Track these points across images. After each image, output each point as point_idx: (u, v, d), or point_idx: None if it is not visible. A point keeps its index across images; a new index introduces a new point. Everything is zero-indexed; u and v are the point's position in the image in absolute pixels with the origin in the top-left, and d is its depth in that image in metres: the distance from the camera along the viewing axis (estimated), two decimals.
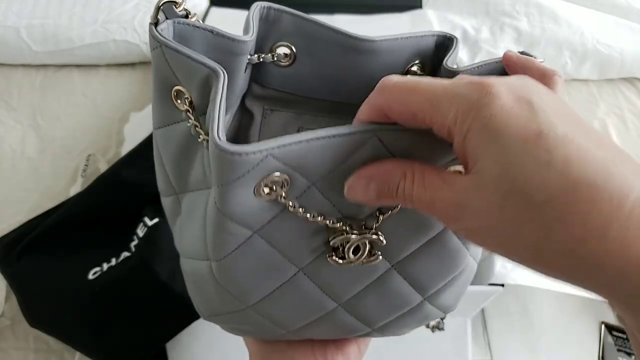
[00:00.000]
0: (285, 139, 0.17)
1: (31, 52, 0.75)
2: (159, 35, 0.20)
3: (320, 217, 0.20)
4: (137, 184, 0.53)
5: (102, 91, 0.76)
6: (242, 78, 0.25)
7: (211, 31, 0.22)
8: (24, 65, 0.78)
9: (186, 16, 0.22)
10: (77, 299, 0.47)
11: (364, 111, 0.19)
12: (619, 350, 0.52)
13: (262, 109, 0.28)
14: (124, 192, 0.53)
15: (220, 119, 0.17)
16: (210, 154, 0.17)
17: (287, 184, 0.18)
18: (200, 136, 0.21)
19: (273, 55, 0.26)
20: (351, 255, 0.21)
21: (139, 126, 0.63)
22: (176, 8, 0.21)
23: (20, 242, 0.52)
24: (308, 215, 0.20)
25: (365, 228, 0.21)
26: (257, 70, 0.27)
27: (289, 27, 0.25)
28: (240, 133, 0.28)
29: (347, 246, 0.21)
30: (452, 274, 0.25)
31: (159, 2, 0.21)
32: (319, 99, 0.27)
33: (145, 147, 0.57)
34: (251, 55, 0.25)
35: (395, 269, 0.24)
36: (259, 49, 0.26)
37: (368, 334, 0.27)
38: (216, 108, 0.18)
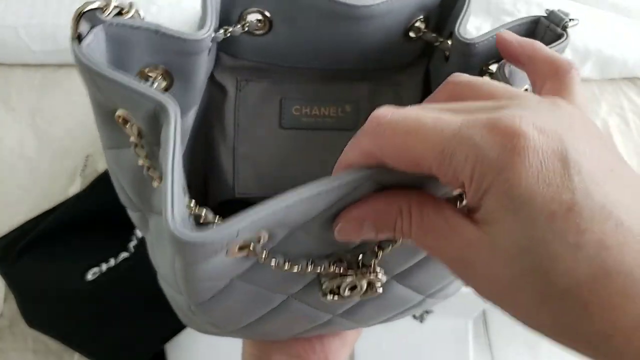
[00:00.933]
0: (258, 211, 0.14)
1: (30, 52, 0.75)
2: (83, 59, 0.16)
3: (307, 261, 0.17)
4: None
5: None
6: (205, 66, 0.21)
7: (155, 31, 0.18)
8: (22, 65, 0.77)
9: (119, 13, 0.18)
10: (76, 299, 0.47)
11: (352, 156, 0.16)
12: None
13: (235, 80, 0.24)
14: None
15: (176, 192, 0.14)
16: (166, 236, 0.14)
17: (264, 239, 0.16)
18: (155, 182, 0.17)
19: (244, 26, 0.21)
20: (347, 293, 0.19)
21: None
22: (102, 14, 0.17)
23: (19, 243, 0.52)
24: (287, 266, 0.17)
25: (363, 265, 0.18)
26: (225, 42, 0.22)
27: None
28: (212, 109, 0.25)
29: (342, 287, 0.18)
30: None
31: (75, 13, 0.16)
32: (301, 67, 0.24)
33: None
34: (215, 32, 0.21)
35: (395, 280, 0.22)
36: (224, 20, 0.21)
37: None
38: (168, 181, 0.14)
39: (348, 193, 0.15)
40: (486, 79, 0.16)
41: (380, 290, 0.19)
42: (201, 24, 0.19)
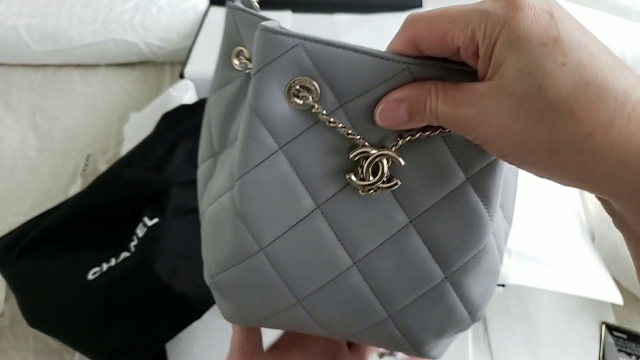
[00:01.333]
0: (318, 36, 0.19)
1: (30, 52, 0.75)
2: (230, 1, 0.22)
3: (346, 132, 0.21)
4: (137, 184, 0.53)
5: (101, 91, 0.75)
6: None
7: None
8: (23, 65, 0.78)
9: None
10: (77, 299, 0.47)
11: (394, 44, 0.21)
12: (619, 350, 0.52)
13: None
14: (123, 192, 0.53)
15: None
16: (255, 41, 0.19)
17: (317, 94, 0.20)
18: (248, 70, 0.22)
19: None
20: (370, 177, 0.21)
21: (138, 126, 0.63)
22: None
23: (20, 242, 0.52)
24: (338, 126, 0.20)
25: (384, 147, 0.21)
26: None
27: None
28: None
29: (366, 163, 0.21)
30: (475, 246, 0.23)
31: None
32: None
33: (145, 147, 0.57)
34: None
35: (414, 225, 0.23)
36: None
37: (383, 324, 0.24)
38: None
39: (387, 77, 0.20)
40: None
41: (398, 181, 0.21)
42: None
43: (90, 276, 0.48)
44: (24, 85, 0.76)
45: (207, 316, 0.46)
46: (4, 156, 0.67)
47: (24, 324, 0.48)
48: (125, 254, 0.49)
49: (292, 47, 0.19)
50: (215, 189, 0.25)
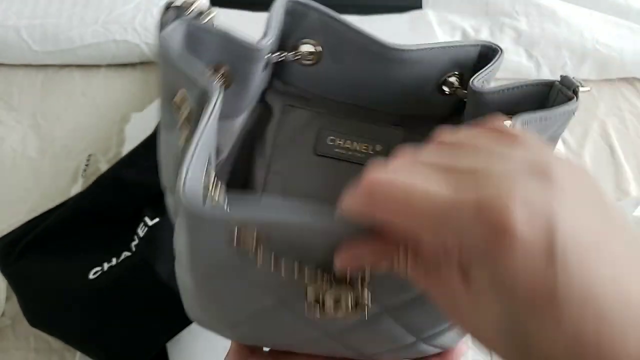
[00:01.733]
0: (254, 214, 0.16)
1: (31, 52, 0.75)
2: (160, 43, 0.20)
3: (300, 270, 0.18)
4: (138, 184, 0.53)
5: (102, 91, 0.76)
6: (260, 78, 0.24)
7: (224, 35, 0.21)
8: (24, 66, 0.78)
9: (199, 14, 0.21)
10: (78, 298, 0.47)
11: (347, 208, 0.16)
12: None
13: (282, 104, 0.27)
14: (124, 192, 0.53)
15: (195, 157, 0.16)
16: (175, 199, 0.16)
17: (263, 242, 0.17)
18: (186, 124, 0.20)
19: (296, 54, 0.24)
20: (330, 309, 0.18)
21: (139, 126, 0.64)
22: (184, 12, 0.20)
23: (21, 242, 0.52)
24: (274, 266, 0.18)
25: (349, 283, 0.19)
26: (279, 67, 0.26)
27: (315, 24, 0.23)
28: (257, 128, 0.27)
29: (327, 298, 0.18)
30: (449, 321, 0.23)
31: (164, 5, 0.20)
32: (340, 101, 0.26)
33: (146, 147, 0.57)
34: (272, 53, 0.24)
35: (387, 313, 0.22)
36: (281, 45, 0.25)
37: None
38: (190, 151, 0.16)
39: (345, 236, 0.17)
40: (475, 131, 0.16)
41: (367, 304, 0.19)
42: (262, 36, 0.22)
43: (91, 275, 0.48)
44: (25, 85, 0.76)
45: None
46: (4, 156, 0.67)
47: (25, 323, 0.48)
48: (126, 254, 0.49)
49: (228, 226, 0.16)
50: (179, 244, 0.23)
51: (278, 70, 0.26)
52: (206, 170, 0.19)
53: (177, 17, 0.20)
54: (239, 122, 0.26)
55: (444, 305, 0.16)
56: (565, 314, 0.12)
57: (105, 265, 0.49)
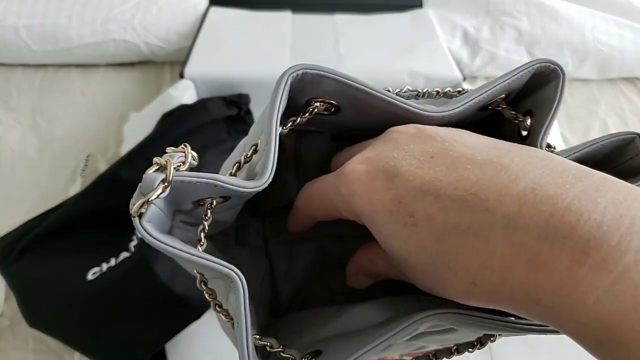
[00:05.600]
0: None
1: (30, 52, 0.75)
2: (147, 235, 0.16)
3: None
4: (137, 184, 0.53)
5: (101, 91, 0.75)
6: None
7: (214, 185, 0.17)
8: (23, 65, 0.77)
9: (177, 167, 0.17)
10: (77, 299, 0.47)
11: (297, 216, 0.22)
12: None
13: (294, 135, 0.25)
14: (123, 192, 0.53)
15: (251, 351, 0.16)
16: None
17: None
18: (226, 318, 0.19)
19: (311, 112, 0.20)
20: None
21: (138, 126, 0.63)
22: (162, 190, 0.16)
23: (20, 242, 0.52)
24: None
25: None
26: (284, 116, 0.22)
27: (330, 88, 0.20)
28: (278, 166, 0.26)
29: None
30: None
31: (141, 201, 0.16)
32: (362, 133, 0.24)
33: (145, 147, 0.57)
34: (283, 127, 0.20)
35: None
36: (290, 110, 0.20)
37: None
38: (244, 348, 0.16)
39: None
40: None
41: None
42: (263, 172, 0.18)
43: (90, 276, 0.48)
44: (24, 85, 0.76)
45: (207, 316, 0.46)
46: (3, 156, 0.67)
47: (24, 324, 0.48)
48: (125, 254, 0.49)
49: None
50: None
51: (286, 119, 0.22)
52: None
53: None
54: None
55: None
56: (417, 208, 0.15)
57: (104, 266, 0.49)
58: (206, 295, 0.19)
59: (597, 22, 0.80)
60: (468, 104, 0.19)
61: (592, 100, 0.78)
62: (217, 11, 0.79)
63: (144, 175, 0.16)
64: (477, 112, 0.21)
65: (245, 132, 0.72)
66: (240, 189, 0.17)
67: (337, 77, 0.19)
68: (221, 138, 0.59)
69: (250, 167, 0.19)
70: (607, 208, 0.12)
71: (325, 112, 0.21)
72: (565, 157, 0.19)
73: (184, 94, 0.64)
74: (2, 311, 0.52)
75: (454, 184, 0.14)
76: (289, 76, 0.18)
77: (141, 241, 0.49)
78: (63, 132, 0.70)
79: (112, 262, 0.49)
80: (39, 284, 0.49)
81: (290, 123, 0.20)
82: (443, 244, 0.14)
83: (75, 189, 0.61)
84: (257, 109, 0.64)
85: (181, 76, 0.67)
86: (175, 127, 0.58)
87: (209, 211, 0.18)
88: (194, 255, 0.17)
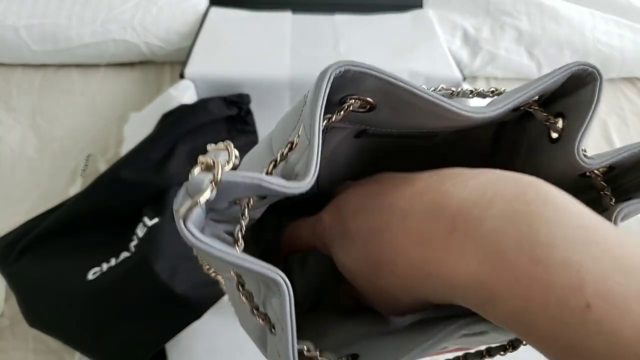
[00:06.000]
0: None
1: (30, 52, 0.75)
2: (192, 238, 0.15)
3: None
4: (137, 184, 0.53)
5: (101, 91, 0.75)
6: None
7: (259, 185, 0.16)
8: (23, 65, 0.77)
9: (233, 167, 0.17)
10: (77, 299, 0.47)
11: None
12: None
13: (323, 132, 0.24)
14: (123, 192, 0.53)
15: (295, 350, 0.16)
16: None
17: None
18: (268, 330, 0.18)
19: (347, 109, 0.19)
20: None
21: (138, 126, 0.63)
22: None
23: (20, 242, 0.52)
24: None
25: None
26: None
27: (371, 86, 0.19)
28: None
29: None
30: None
31: (190, 204, 0.15)
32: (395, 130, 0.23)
33: (145, 147, 0.57)
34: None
35: None
36: (327, 106, 0.19)
37: None
38: (290, 352, 0.16)
39: None
40: None
41: None
42: (302, 171, 0.17)
43: (90, 276, 0.48)
44: (24, 85, 0.76)
45: (207, 316, 0.46)
46: (3, 156, 0.67)
47: (24, 324, 0.48)
48: (125, 254, 0.49)
49: None
50: None
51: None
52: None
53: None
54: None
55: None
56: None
57: (105, 266, 0.49)
58: (243, 298, 0.18)
59: (597, 22, 0.80)
60: (507, 106, 0.19)
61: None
62: (217, 11, 0.79)
63: (190, 176, 0.16)
64: (510, 112, 0.21)
65: (245, 132, 0.72)
66: (284, 189, 0.16)
67: (380, 74, 0.18)
68: (221, 138, 0.59)
69: (287, 166, 0.18)
70: (473, 188, 0.15)
71: (360, 110, 0.20)
72: (600, 162, 0.19)
73: (184, 94, 0.64)
74: (2, 311, 0.52)
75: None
76: (331, 73, 0.17)
77: (141, 241, 0.49)
78: (63, 132, 0.70)
79: (113, 262, 0.49)
80: (39, 284, 0.49)
81: (326, 121, 0.19)
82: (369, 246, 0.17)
83: (75, 189, 0.61)
84: (257, 109, 0.64)
85: (181, 76, 0.67)
86: (176, 127, 0.58)
87: (246, 210, 0.18)
88: (237, 257, 0.15)
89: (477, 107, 0.19)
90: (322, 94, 0.17)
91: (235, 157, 0.17)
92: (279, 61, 0.69)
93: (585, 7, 0.82)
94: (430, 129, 0.22)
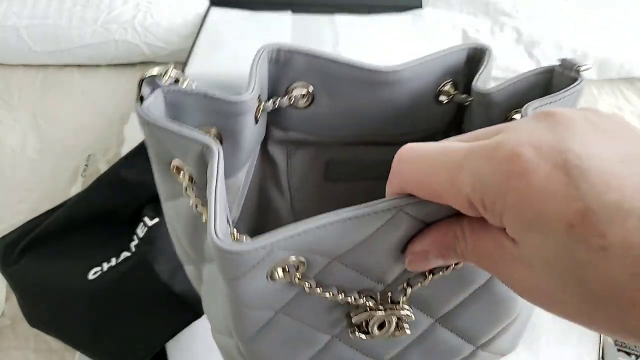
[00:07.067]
0: (292, 228, 0.15)
1: (31, 52, 0.75)
2: (143, 114, 0.19)
3: (341, 293, 0.18)
4: (137, 184, 0.53)
5: (102, 91, 0.76)
6: (253, 131, 0.24)
7: (204, 95, 0.20)
8: (24, 66, 0.78)
9: (176, 81, 0.20)
10: (78, 298, 0.47)
11: (388, 192, 0.18)
12: (619, 350, 0.52)
13: (285, 150, 0.27)
14: (124, 192, 0.53)
15: (218, 210, 0.16)
16: (210, 249, 0.16)
17: (304, 266, 0.17)
18: (203, 217, 0.19)
19: (290, 98, 0.23)
20: (376, 331, 0.19)
21: (139, 126, 0.63)
22: (161, 80, 0.20)
23: (21, 242, 0.52)
24: (327, 294, 0.18)
25: (392, 302, 0.19)
26: (274, 115, 0.25)
27: (301, 66, 0.23)
28: (268, 176, 0.27)
29: (371, 322, 0.19)
30: (506, 322, 0.23)
31: (139, 79, 0.19)
32: (343, 135, 0.26)
33: (146, 147, 0.57)
34: (265, 101, 0.23)
35: (440, 323, 0.22)
36: (272, 92, 0.24)
37: None
38: (212, 199, 0.16)
39: (382, 223, 0.17)
40: None
41: (408, 331, 0.19)
42: (246, 89, 0.21)
43: (91, 276, 0.48)
44: (25, 85, 0.76)
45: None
46: (4, 156, 0.67)
47: (25, 323, 0.48)
48: (126, 254, 0.49)
49: (266, 256, 0.16)
50: (213, 314, 0.23)
51: (275, 118, 0.25)
52: (227, 219, 0.18)
53: (154, 88, 0.20)
54: (240, 179, 0.25)
55: (504, 277, 0.15)
56: (606, 231, 0.11)
57: (105, 266, 0.49)
58: (191, 201, 0.20)
59: (597, 22, 0.80)
60: (419, 61, 0.23)
61: (591, 100, 0.78)
62: (217, 12, 0.79)
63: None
64: (437, 106, 0.25)
65: None
66: (227, 99, 0.20)
67: (305, 51, 0.22)
68: None
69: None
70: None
71: (302, 104, 0.23)
72: (498, 91, 0.23)
73: None
74: (3, 311, 0.53)
75: None
76: (263, 51, 0.22)
77: (142, 241, 0.50)
78: (64, 132, 0.70)
79: (113, 261, 0.49)
80: (40, 284, 0.49)
81: (272, 101, 0.23)
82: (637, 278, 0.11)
83: (76, 189, 0.61)
84: None
85: None
86: None
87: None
88: (176, 125, 0.19)
89: (392, 66, 0.22)
90: (256, 63, 0.21)
91: (191, 85, 0.20)
92: None
93: (585, 7, 0.82)
94: (376, 131, 0.24)
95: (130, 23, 0.75)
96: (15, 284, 0.50)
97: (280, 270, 0.17)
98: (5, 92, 0.75)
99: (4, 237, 0.53)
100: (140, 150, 0.57)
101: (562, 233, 0.12)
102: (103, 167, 0.63)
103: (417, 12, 0.83)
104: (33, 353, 0.50)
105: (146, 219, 0.50)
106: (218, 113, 0.21)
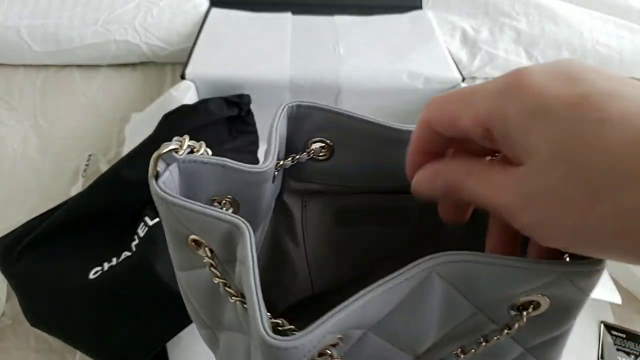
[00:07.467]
0: (341, 311, 0.15)
1: (32, 52, 0.75)
2: (161, 192, 0.18)
3: None
4: (138, 184, 0.53)
5: (102, 91, 0.76)
6: (270, 191, 0.23)
7: (222, 165, 0.19)
8: (24, 66, 0.78)
9: (191, 151, 0.20)
10: (78, 298, 0.47)
11: (415, 130, 0.19)
12: (618, 349, 0.52)
13: (301, 199, 0.26)
14: (124, 191, 0.53)
15: (261, 302, 0.15)
16: (257, 345, 0.15)
17: (343, 342, 0.17)
18: (232, 298, 0.19)
19: (309, 152, 0.23)
20: None
21: (139, 126, 0.64)
22: (176, 153, 0.19)
23: (21, 242, 0.52)
24: None
25: None
26: (292, 168, 0.24)
27: (320, 121, 0.22)
28: (283, 226, 0.27)
29: None
30: (557, 331, 0.22)
31: (155, 154, 0.18)
32: (359, 186, 0.25)
33: (146, 148, 0.57)
34: (284, 159, 0.23)
35: (528, 353, 0.21)
36: (290, 148, 0.23)
37: None
38: (252, 290, 0.15)
39: (416, 286, 0.17)
40: None
41: None
42: (265, 157, 0.20)
43: (91, 275, 0.48)
44: (25, 85, 0.76)
45: None
46: (5, 156, 0.67)
47: (26, 323, 0.48)
48: (126, 254, 0.49)
49: (317, 343, 0.15)
50: None
51: (292, 171, 0.25)
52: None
53: (169, 163, 0.19)
54: (258, 235, 0.25)
55: (513, 209, 0.16)
56: (604, 106, 0.13)
57: (106, 265, 0.49)
58: (215, 279, 0.19)
59: (596, 22, 0.81)
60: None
61: None
62: (218, 12, 0.80)
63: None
64: None
65: (245, 133, 0.72)
66: (247, 169, 0.19)
67: (324, 106, 0.21)
68: (222, 138, 0.60)
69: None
70: None
71: (321, 156, 0.23)
72: None
73: (185, 94, 0.64)
74: (4, 311, 0.53)
75: None
76: (284, 107, 0.21)
77: (142, 241, 0.50)
78: (64, 132, 0.70)
79: (114, 261, 0.49)
80: (41, 283, 0.49)
81: (290, 158, 0.23)
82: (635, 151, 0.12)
83: (76, 189, 0.61)
84: (257, 109, 0.65)
85: (182, 77, 0.67)
86: (177, 127, 0.58)
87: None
88: (201, 206, 0.17)
89: (411, 126, 0.22)
90: (277, 119, 0.20)
91: (205, 150, 0.20)
92: (279, 62, 0.69)
93: (584, 7, 0.82)
94: (391, 183, 0.24)
95: (130, 23, 0.75)
96: (16, 284, 0.50)
97: (318, 354, 0.16)
98: (5, 92, 0.75)
99: (4, 237, 0.53)
100: (141, 151, 0.57)
101: (564, 114, 0.13)
102: (103, 167, 0.64)
103: (417, 12, 0.83)
104: (33, 353, 0.51)
105: (147, 219, 0.51)
106: (235, 182, 0.20)
